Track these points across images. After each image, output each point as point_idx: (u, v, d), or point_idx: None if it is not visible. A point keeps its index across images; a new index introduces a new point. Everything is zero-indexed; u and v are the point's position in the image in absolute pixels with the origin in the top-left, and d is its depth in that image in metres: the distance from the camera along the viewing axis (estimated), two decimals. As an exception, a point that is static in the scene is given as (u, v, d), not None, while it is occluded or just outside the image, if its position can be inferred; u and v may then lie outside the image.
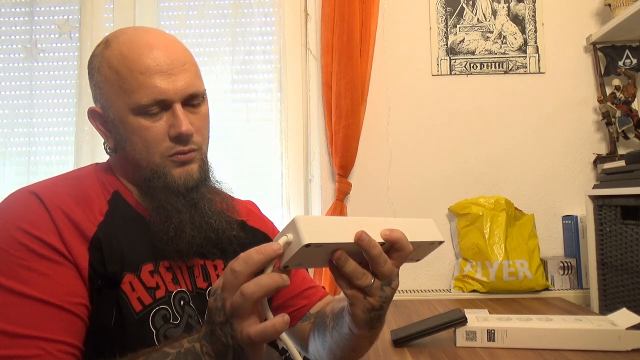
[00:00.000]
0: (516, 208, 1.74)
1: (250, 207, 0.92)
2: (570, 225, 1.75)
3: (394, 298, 1.77)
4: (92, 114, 0.72)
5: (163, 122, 0.68)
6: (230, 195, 0.82)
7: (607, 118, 1.72)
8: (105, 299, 0.62)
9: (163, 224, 0.68)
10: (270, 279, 0.48)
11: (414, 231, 0.58)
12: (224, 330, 0.50)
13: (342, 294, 0.60)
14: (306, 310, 0.85)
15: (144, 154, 0.68)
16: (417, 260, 0.64)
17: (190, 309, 0.69)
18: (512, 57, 1.85)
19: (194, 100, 0.70)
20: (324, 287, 0.92)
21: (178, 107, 0.68)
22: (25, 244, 0.59)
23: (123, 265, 0.64)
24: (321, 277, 1.73)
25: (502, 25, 1.86)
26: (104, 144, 0.74)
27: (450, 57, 1.86)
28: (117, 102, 0.67)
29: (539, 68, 1.84)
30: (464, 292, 1.68)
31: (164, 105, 0.67)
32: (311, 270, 1.74)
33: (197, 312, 0.69)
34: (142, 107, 0.66)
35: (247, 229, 0.81)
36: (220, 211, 0.74)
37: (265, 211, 0.95)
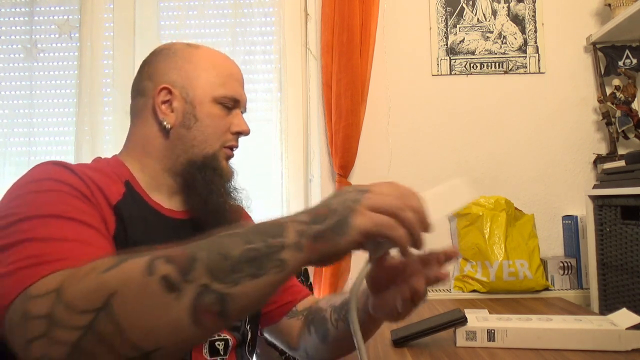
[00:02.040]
0: (516, 208, 1.74)
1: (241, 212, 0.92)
2: (570, 225, 1.75)
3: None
4: (164, 89, 0.76)
5: (229, 118, 0.79)
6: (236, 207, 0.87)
7: (607, 118, 1.72)
8: None
9: (203, 207, 0.75)
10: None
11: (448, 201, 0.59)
12: (345, 200, 0.50)
13: (333, 295, 0.67)
14: (291, 307, 0.87)
15: (209, 136, 0.76)
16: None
17: None
18: (512, 57, 1.85)
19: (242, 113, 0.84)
20: (311, 287, 0.93)
21: (241, 113, 0.82)
22: (63, 191, 0.59)
23: (143, 240, 0.66)
24: (321, 278, 1.73)
25: (502, 25, 1.86)
26: (161, 122, 0.76)
27: (450, 57, 1.86)
28: (203, 88, 0.76)
29: (539, 68, 1.84)
30: (464, 292, 1.68)
31: (235, 105, 0.80)
32: (311, 272, 1.74)
33: None
34: (224, 97, 0.77)
35: None
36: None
37: (266, 211, 0.96)
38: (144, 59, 0.81)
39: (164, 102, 0.76)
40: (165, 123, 0.75)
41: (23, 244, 0.51)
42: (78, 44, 1.87)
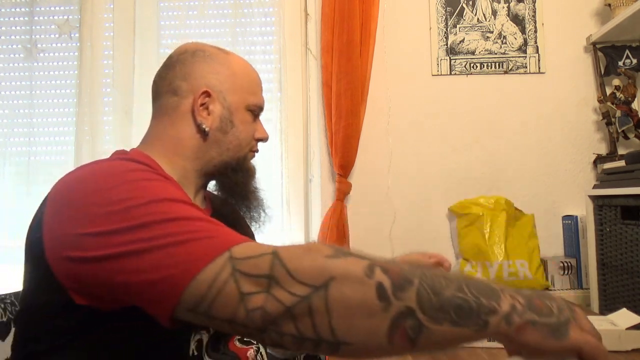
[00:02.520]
0: (516, 208, 1.74)
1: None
2: (570, 225, 1.75)
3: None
4: (204, 93, 0.78)
5: (255, 124, 0.85)
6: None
7: (607, 118, 1.72)
8: None
9: (244, 201, 0.85)
10: None
11: None
12: (561, 309, 0.51)
13: None
14: None
15: (242, 142, 0.82)
16: None
17: None
18: (512, 57, 1.84)
19: None
20: None
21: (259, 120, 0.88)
22: (155, 177, 0.61)
23: None
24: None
25: (502, 25, 1.85)
26: (199, 125, 0.77)
27: (450, 57, 1.86)
28: (238, 94, 0.80)
29: (539, 68, 1.84)
30: (464, 292, 1.67)
31: (259, 113, 0.86)
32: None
33: None
34: (255, 106, 0.83)
35: None
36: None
37: (264, 200, 0.99)
38: (170, 54, 0.83)
39: (202, 105, 0.78)
40: (204, 126, 0.77)
41: (177, 221, 0.53)
42: (78, 44, 1.87)
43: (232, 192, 0.84)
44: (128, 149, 0.78)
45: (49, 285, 0.57)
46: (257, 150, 0.87)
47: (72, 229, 0.55)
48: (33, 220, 0.63)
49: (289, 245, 0.51)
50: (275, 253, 0.49)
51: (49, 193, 0.62)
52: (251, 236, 0.91)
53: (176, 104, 0.78)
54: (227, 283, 0.49)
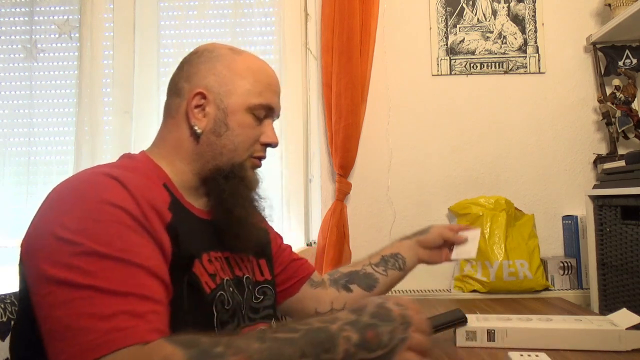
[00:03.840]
0: (516, 208, 1.74)
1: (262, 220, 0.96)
2: (570, 225, 1.75)
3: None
4: (199, 94, 0.76)
5: (259, 127, 0.79)
6: None
7: (607, 118, 1.72)
8: (177, 282, 0.65)
9: (227, 217, 0.76)
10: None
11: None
12: (393, 333, 0.60)
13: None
14: (306, 279, 0.98)
15: (238, 146, 0.77)
16: None
17: (236, 295, 0.76)
18: (512, 57, 1.85)
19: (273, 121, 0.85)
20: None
21: (272, 123, 0.82)
22: (117, 216, 0.59)
23: (193, 251, 0.69)
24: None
25: (502, 25, 1.86)
26: (192, 126, 0.76)
27: (450, 57, 1.86)
28: (238, 96, 0.77)
29: (539, 68, 1.84)
30: (464, 292, 1.68)
31: (268, 113, 0.80)
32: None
33: (241, 297, 0.78)
34: (258, 106, 0.77)
35: None
36: (260, 220, 0.86)
37: (266, 211, 0.97)
38: (184, 58, 0.81)
39: (197, 107, 0.76)
40: (196, 127, 0.75)
41: (100, 293, 0.54)
42: (78, 44, 1.87)
43: (219, 202, 0.77)
44: (137, 151, 0.79)
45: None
46: (262, 157, 0.82)
47: (32, 240, 0.59)
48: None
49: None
50: None
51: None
52: (263, 236, 0.88)
53: (178, 105, 0.77)
54: None
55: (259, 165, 0.82)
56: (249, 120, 0.77)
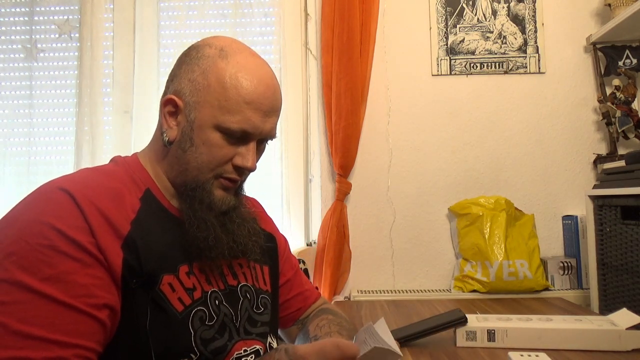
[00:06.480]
0: (516, 208, 1.74)
1: (257, 207, 0.94)
2: (570, 225, 1.75)
3: (395, 298, 1.76)
4: (169, 102, 0.70)
5: (233, 147, 0.70)
6: (251, 200, 0.87)
7: (607, 118, 1.72)
8: (141, 300, 0.62)
9: (202, 233, 0.69)
10: None
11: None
12: None
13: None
14: (301, 313, 0.93)
15: (201, 165, 0.69)
16: None
17: (225, 307, 0.71)
18: (512, 57, 1.85)
19: (266, 141, 0.75)
20: (317, 288, 0.97)
21: (253, 144, 0.71)
22: (51, 240, 0.56)
23: (161, 266, 0.64)
24: (321, 278, 1.73)
25: (502, 25, 1.86)
26: (162, 133, 0.71)
27: (450, 57, 1.86)
28: (207, 110, 0.68)
29: (539, 68, 1.84)
30: (464, 292, 1.68)
31: (245, 136, 0.70)
32: (311, 271, 1.74)
33: (232, 310, 0.72)
34: (228, 129, 0.68)
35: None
36: (249, 222, 0.77)
37: (266, 211, 0.98)
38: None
39: (170, 113, 0.71)
40: (165, 136, 0.70)
41: (2, 330, 0.52)
42: (78, 44, 1.87)
43: (186, 215, 0.70)
44: (130, 153, 0.78)
45: None
46: (231, 179, 0.71)
47: None
48: None
49: None
50: None
51: None
52: (259, 241, 0.79)
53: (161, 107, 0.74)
54: None
55: (228, 186, 0.72)
56: (216, 139, 0.68)
